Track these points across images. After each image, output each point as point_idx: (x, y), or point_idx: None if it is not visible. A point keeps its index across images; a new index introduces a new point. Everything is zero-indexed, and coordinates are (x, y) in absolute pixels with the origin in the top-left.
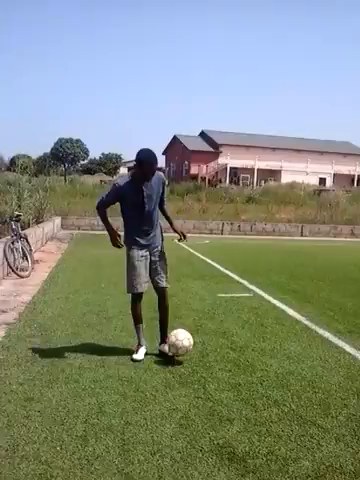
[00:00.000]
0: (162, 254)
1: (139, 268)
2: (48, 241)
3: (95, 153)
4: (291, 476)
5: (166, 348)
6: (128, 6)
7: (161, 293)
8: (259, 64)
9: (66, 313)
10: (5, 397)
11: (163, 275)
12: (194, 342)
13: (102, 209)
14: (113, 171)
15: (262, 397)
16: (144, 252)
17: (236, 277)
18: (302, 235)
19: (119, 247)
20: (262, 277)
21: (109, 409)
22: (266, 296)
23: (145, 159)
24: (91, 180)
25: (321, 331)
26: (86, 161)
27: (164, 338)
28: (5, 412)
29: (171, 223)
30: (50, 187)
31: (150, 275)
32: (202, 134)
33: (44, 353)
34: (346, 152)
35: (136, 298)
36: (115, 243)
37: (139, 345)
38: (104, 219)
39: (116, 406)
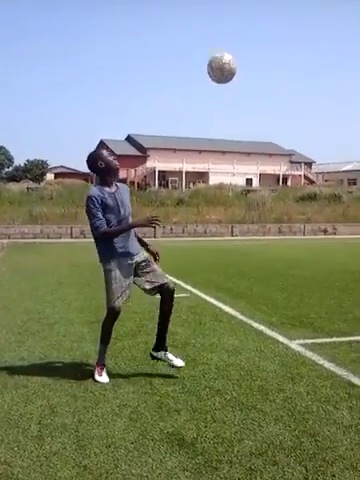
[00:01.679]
0: (148, 259)
1: (121, 281)
2: None
3: (20, 160)
4: (236, 455)
5: (170, 356)
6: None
7: (168, 294)
8: (182, 66)
9: (7, 323)
10: None
11: (164, 274)
12: (137, 342)
13: (104, 230)
14: (39, 177)
15: (205, 388)
16: (126, 261)
17: (173, 278)
18: (233, 235)
19: (158, 223)
20: (197, 277)
21: (61, 409)
22: (202, 295)
23: (107, 157)
24: (17, 187)
25: (256, 324)
26: (11, 168)
27: (164, 345)
28: None
29: (145, 243)
30: None
31: (148, 281)
32: (129, 138)
33: None
34: (271, 152)
35: (116, 313)
36: (154, 221)
37: (103, 365)
38: (116, 231)
39: (67, 406)
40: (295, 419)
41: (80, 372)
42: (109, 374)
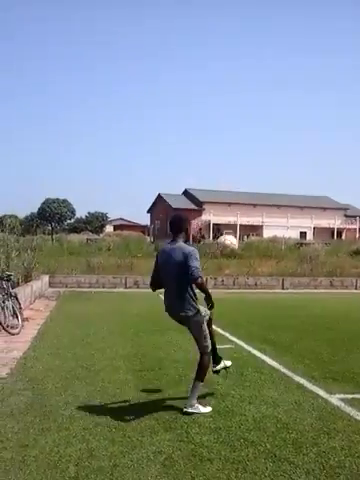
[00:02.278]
0: None
1: None
2: (36, 299)
3: (81, 212)
4: None
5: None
6: (113, 70)
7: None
8: (239, 122)
9: (56, 367)
10: (1, 445)
11: None
12: (178, 391)
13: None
14: (99, 229)
15: (240, 439)
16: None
17: (218, 329)
18: (283, 288)
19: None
20: (243, 329)
21: (98, 453)
22: (246, 347)
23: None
24: (77, 238)
25: (297, 378)
26: (72, 220)
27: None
28: (2, 458)
29: None
30: (37, 246)
31: None
32: (185, 192)
33: (36, 405)
34: (325, 206)
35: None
36: (213, 306)
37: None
38: (206, 286)
39: (105, 450)
40: (326, 473)
41: (121, 417)
42: (149, 421)
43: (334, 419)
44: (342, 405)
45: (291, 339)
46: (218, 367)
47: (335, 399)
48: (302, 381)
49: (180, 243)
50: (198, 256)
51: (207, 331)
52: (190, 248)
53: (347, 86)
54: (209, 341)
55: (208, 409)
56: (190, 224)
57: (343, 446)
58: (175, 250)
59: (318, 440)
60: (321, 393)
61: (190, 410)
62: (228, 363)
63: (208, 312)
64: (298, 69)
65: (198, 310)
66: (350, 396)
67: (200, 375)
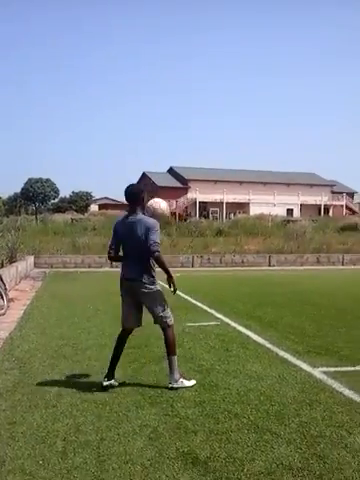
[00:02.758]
0: None
1: None
2: (22, 280)
3: (65, 191)
4: (246, 474)
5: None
6: (99, 44)
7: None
8: (224, 98)
9: (42, 347)
10: None
11: None
12: (163, 367)
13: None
14: (84, 209)
15: (224, 411)
16: None
17: (205, 307)
18: (270, 265)
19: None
20: (229, 306)
21: (85, 428)
22: (232, 323)
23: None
24: (62, 218)
25: (281, 353)
26: (57, 200)
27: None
28: None
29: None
30: (21, 227)
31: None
32: (170, 170)
33: (23, 383)
34: (312, 183)
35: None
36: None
37: (182, 374)
38: (167, 265)
39: (92, 425)
40: (307, 442)
41: (107, 394)
42: (135, 396)
43: (316, 391)
44: (325, 378)
45: (276, 315)
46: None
47: (318, 372)
48: (286, 356)
49: (141, 215)
50: (159, 230)
51: (167, 303)
52: (152, 221)
53: (333, 62)
54: (170, 313)
55: (192, 382)
56: (144, 198)
57: (324, 417)
58: (137, 223)
59: (300, 411)
60: (304, 367)
61: (175, 385)
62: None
63: None
64: (284, 49)
65: (157, 283)
66: (333, 369)
67: (170, 349)
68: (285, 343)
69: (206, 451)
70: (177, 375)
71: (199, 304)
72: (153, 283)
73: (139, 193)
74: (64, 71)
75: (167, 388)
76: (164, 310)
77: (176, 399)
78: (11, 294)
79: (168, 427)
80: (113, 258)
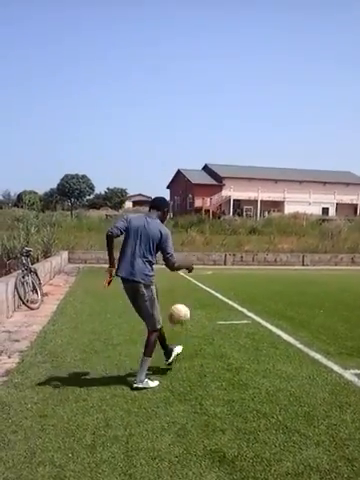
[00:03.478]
0: None
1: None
2: (56, 275)
3: (100, 188)
4: (273, 474)
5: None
6: (134, 41)
7: None
8: (260, 96)
9: (74, 341)
10: (22, 414)
11: None
12: (193, 365)
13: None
14: (118, 205)
15: (252, 411)
16: None
17: (236, 305)
18: (303, 264)
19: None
20: (261, 305)
21: (114, 423)
22: (263, 322)
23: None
24: (96, 214)
25: (312, 353)
26: (92, 196)
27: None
28: (22, 427)
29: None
30: (57, 222)
31: None
32: (205, 168)
33: (55, 376)
34: (348, 182)
35: (158, 332)
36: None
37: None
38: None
39: (121, 420)
40: (336, 444)
41: (136, 390)
42: (164, 393)
43: (347, 393)
44: (356, 380)
45: (308, 315)
46: (170, 359)
47: (349, 374)
48: (317, 356)
49: (157, 220)
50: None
51: (158, 308)
52: (167, 230)
53: None
54: (160, 318)
55: (155, 383)
56: (167, 212)
57: (354, 419)
58: (152, 223)
59: (330, 413)
60: (335, 368)
61: (140, 385)
62: (178, 349)
63: None
64: (327, 42)
65: (154, 284)
66: None
67: (147, 351)
68: (316, 344)
69: (234, 450)
70: (143, 376)
71: (230, 302)
72: (150, 284)
73: (165, 205)
74: (102, 66)
75: (196, 386)
76: (154, 312)
77: (205, 397)
78: (45, 289)
79: (196, 425)
80: (111, 237)
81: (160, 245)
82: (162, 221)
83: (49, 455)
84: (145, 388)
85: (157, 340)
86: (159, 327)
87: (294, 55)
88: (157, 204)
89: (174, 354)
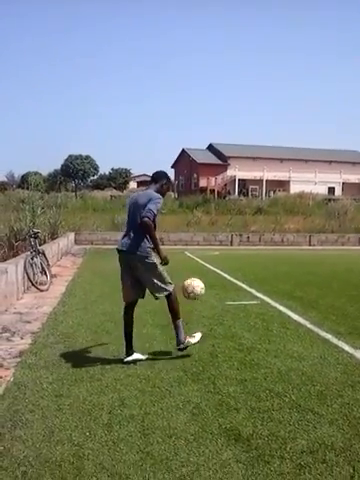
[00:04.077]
0: None
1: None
2: (63, 256)
3: (105, 168)
4: (288, 452)
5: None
6: (139, 23)
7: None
8: (264, 75)
9: (85, 322)
10: (38, 394)
11: None
12: (205, 345)
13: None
14: (123, 186)
15: (265, 390)
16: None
17: (244, 286)
18: (310, 244)
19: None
20: (269, 285)
21: (130, 402)
22: (272, 303)
23: (171, 181)
24: (101, 195)
25: (323, 333)
26: (96, 177)
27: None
28: (39, 406)
29: None
30: (62, 203)
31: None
32: (210, 147)
33: (68, 357)
34: (354, 161)
35: (175, 293)
36: (167, 260)
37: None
38: (155, 234)
39: (136, 400)
40: (350, 423)
41: (149, 369)
42: (177, 373)
43: (359, 373)
44: None
45: (317, 295)
46: (129, 358)
47: None
48: (328, 336)
49: (151, 190)
50: (159, 203)
51: (165, 274)
52: (156, 194)
53: None
54: (169, 281)
55: (198, 335)
56: (167, 185)
57: None
58: (145, 194)
59: (342, 392)
60: (346, 348)
61: (182, 346)
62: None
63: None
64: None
65: (152, 255)
66: None
67: (173, 316)
68: (326, 324)
69: (248, 428)
70: (182, 337)
71: (239, 283)
72: (148, 256)
73: (162, 177)
74: (105, 48)
75: (209, 366)
76: (161, 280)
77: (218, 376)
78: (53, 270)
79: (210, 404)
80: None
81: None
82: (162, 194)
83: (67, 434)
84: (187, 347)
85: (178, 301)
86: (170, 291)
87: (301, 32)
88: (155, 177)
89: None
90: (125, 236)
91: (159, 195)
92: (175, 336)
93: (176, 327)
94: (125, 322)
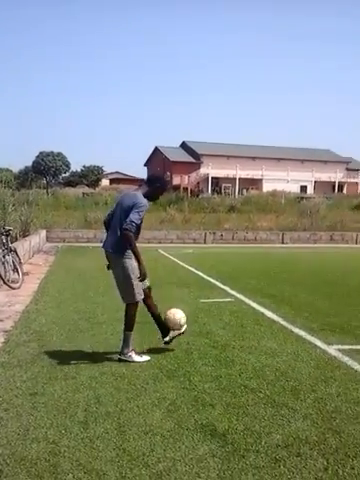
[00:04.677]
0: None
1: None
2: (35, 254)
3: (77, 166)
4: (263, 446)
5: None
6: (111, 18)
7: (149, 292)
8: (238, 74)
9: (59, 320)
10: (12, 392)
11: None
12: (180, 342)
13: (134, 234)
14: (95, 183)
15: (240, 386)
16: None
17: (218, 284)
18: (283, 242)
19: (143, 280)
20: (243, 283)
21: (105, 400)
22: (246, 300)
23: (166, 184)
24: (73, 192)
25: (296, 330)
26: (68, 174)
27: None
28: (14, 405)
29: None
30: (34, 201)
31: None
32: (183, 145)
33: (42, 355)
34: (326, 160)
35: (137, 305)
36: (144, 276)
37: (133, 349)
38: (135, 246)
39: (111, 397)
40: (323, 417)
41: (125, 367)
42: (152, 370)
43: (331, 368)
44: (339, 355)
45: (290, 293)
46: (167, 338)
47: (333, 350)
48: (301, 333)
49: (137, 192)
50: (143, 211)
51: (135, 282)
52: (140, 199)
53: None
54: (136, 293)
55: (144, 358)
56: (159, 189)
57: (340, 393)
58: (130, 195)
59: (316, 387)
60: (319, 344)
61: (123, 358)
62: (182, 329)
63: (146, 283)
64: (302, 18)
65: (128, 258)
66: (347, 347)
67: (125, 325)
68: (299, 320)
69: (224, 424)
70: (126, 349)
71: (213, 281)
72: (123, 257)
73: (155, 181)
74: (76, 42)
75: (184, 363)
76: (128, 286)
77: (193, 373)
78: (25, 268)
79: (186, 400)
80: (105, 223)
81: (128, 213)
82: (152, 197)
83: (42, 432)
84: (128, 361)
85: (135, 314)
86: (133, 301)
87: (275, 30)
88: (149, 178)
89: (174, 334)
90: (108, 235)
91: (144, 202)
92: (121, 345)
93: (124, 337)
94: (149, 312)
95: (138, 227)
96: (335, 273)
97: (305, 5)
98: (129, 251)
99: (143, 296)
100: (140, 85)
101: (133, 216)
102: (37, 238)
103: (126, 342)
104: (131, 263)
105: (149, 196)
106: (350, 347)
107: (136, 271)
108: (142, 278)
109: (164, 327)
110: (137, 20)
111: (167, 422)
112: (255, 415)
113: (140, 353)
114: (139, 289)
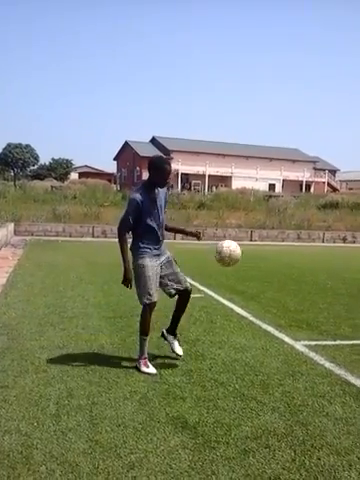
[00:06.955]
0: (173, 260)
1: (153, 277)
2: (2, 247)
3: (45, 158)
4: (233, 438)
5: (175, 343)
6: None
7: (186, 294)
8: (210, 71)
9: (29, 314)
10: None
11: (184, 276)
12: (151, 337)
13: (125, 234)
14: (64, 176)
15: (210, 380)
16: (155, 262)
17: (188, 279)
18: (251, 240)
19: (128, 287)
20: (213, 279)
21: (77, 393)
22: (216, 296)
23: (165, 166)
24: (41, 185)
25: (264, 325)
26: (36, 166)
27: (175, 332)
28: None
29: (183, 229)
30: (1, 193)
31: (169, 282)
32: (153, 140)
33: (12, 349)
34: (295, 159)
35: (151, 308)
36: (127, 283)
37: (145, 357)
38: (124, 248)
39: (83, 390)
40: (290, 410)
41: (96, 361)
42: (124, 364)
43: (299, 363)
44: (306, 351)
45: (259, 289)
46: (166, 335)
47: (300, 345)
48: (269, 329)
49: (139, 186)
50: (130, 207)
51: (144, 283)
52: (132, 196)
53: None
54: (143, 296)
55: (150, 370)
56: (158, 174)
57: (306, 387)
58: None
59: (283, 381)
60: (287, 340)
61: (137, 365)
62: (179, 351)
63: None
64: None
65: (141, 257)
66: (314, 343)
67: (140, 328)
68: (267, 317)
69: (195, 416)
70: (138, 355)
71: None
72: (133, 256)
73: (151, 166)
74: (49, 35)
75: (154, 356)
76: (137, 287)
77: (164, 367)
78: None
79: (157, 393)
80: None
81: None
82: (158, 184)
83: (14, 424)
84: (140, 371)
85: (147, 319)
86: (141, 303)
87: (246, 26)
88: (148, 167)
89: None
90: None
91: (132, 197)
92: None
93: (139, 341)
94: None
95: (141, 225)
96: (302, 271)
97: None
98: (140, 250)
99: (154, 300)
100: (111, 79)
101: (122, 215)
102: (4, 231)
103: (140, 347)
104: (143, 262)
105: (154, 183)
106: (316, 343)
107: (149, 271)
108: (124, 282)
109: (174, 329)
110: (106, 12)
111: (139, 415)
112: (225, 408)
113: (149, 363)
114: (148, 291)
